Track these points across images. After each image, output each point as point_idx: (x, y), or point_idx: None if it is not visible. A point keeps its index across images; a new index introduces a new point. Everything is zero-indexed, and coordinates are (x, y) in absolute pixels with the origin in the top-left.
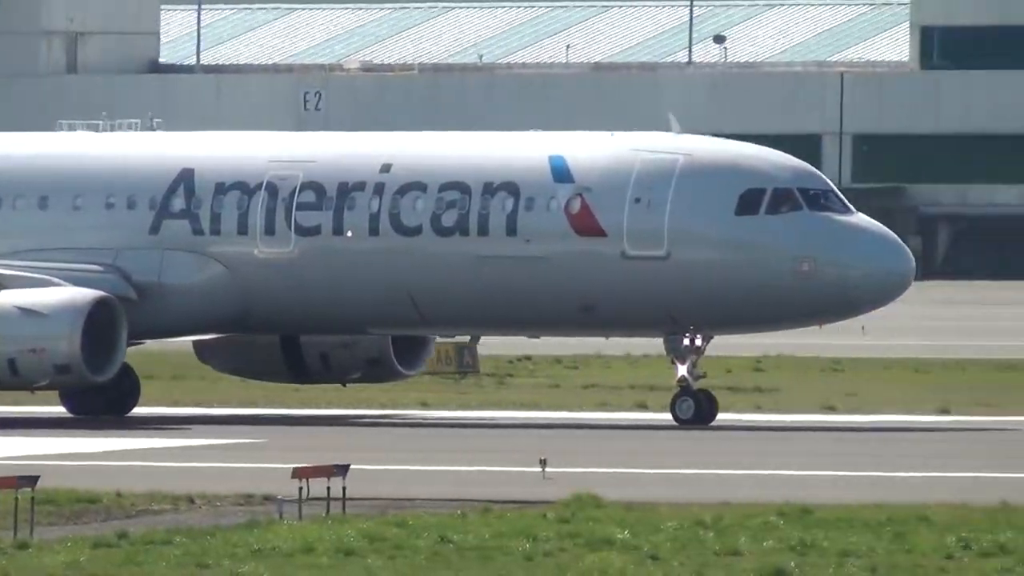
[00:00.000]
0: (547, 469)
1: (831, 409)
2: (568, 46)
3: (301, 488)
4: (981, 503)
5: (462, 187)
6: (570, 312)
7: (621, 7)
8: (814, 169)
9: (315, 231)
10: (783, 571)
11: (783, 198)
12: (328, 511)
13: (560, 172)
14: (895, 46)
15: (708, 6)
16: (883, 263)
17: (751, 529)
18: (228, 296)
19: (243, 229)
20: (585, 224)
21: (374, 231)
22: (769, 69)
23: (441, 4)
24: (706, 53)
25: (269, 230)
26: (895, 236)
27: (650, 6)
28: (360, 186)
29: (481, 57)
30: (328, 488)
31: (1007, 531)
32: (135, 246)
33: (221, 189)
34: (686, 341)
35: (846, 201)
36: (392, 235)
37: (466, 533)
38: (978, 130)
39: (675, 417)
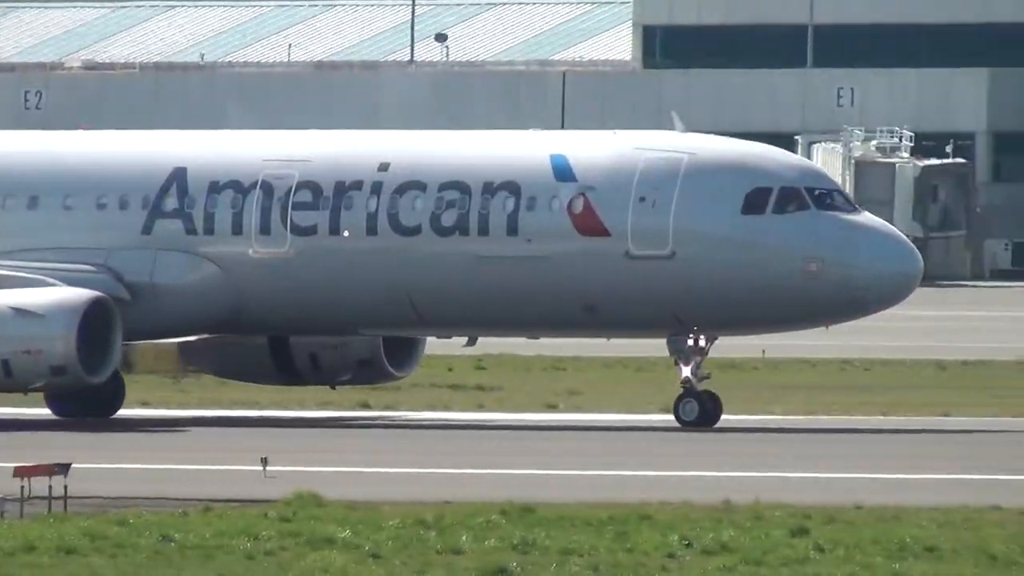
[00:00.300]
0: (268, 468)
1: (553, 408)
2: (290, 45)
3: (23, 487)
4: (703, 501)
5: (462, 186)
6: (572, 313)
7: (343, 6)
8: (821, 168)
9: (311, 231)
10: (505, 570)
11: (790, 197)
12: (50, 510)
13: (562, 171)
14: (618, 45)
15: (430, 5)
16: (891, 263)
17: (473, 528)
18: (222, 297)
19: (237, 229)
20: (588, 224)
21: (372, 231)
22: (491, 68)
23: (163, 3)
24: (428, 52)
25: (264, 230)
26: (903, 236)
27: (372, 5)
28: (357, 185)
29: (203, 56)
30: (50, 487)
31: (729, 529)
32: (127, 246)
33: (215, 188)
34: (690, 342)
35: (852, 201)
36: (390, 235)
37: (187, 532)
38: (700, 129)
39: (678, 419)
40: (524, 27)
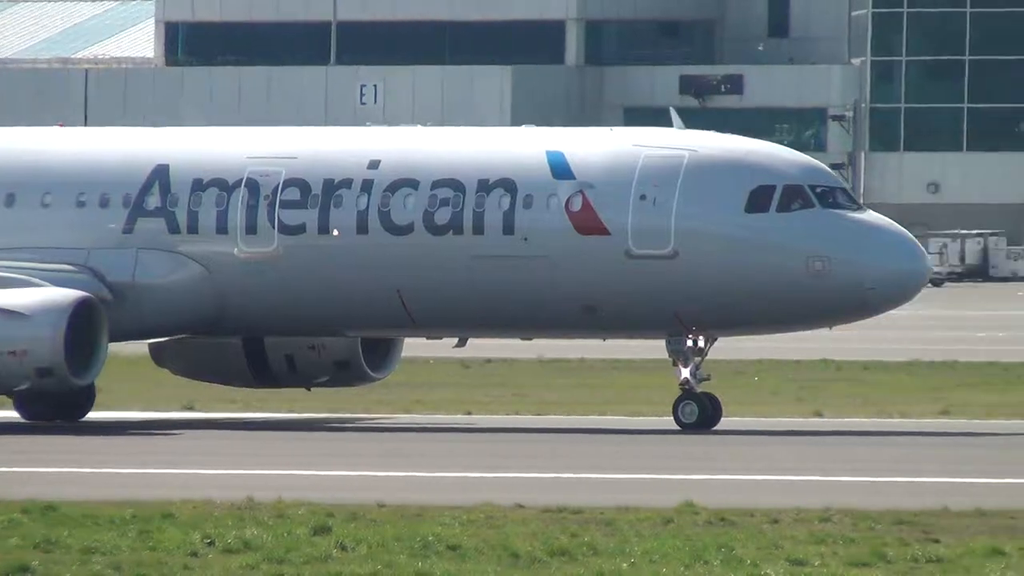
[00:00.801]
0: None
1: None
2: None
3: None
4: (226, 499)
5: (455, 184)
6: (571, 313)
7: None
8: (824, 166)
9: (300, 230)
10: (27, 568)
11: (794, 195)
12: None
13: (559, 168)
14: (141, 42)
15: None
16: (898, 262)
17: None
18: (207, 297)
19: (222, 228)
20: (587, 222)
21: (363, 230)
22: (13, 66)
23: None
24: None
25: (251, 229)
26: (909, 234)
27: None
28: (347, 183)
29: None
30: None
31: (252, 527)
32: (108, 245)
33: (198, 186)
34: (689, 342)
35: (856, 199)
36: (382, 234)
37: None
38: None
39: (678, 421)
40: (47, 25)
